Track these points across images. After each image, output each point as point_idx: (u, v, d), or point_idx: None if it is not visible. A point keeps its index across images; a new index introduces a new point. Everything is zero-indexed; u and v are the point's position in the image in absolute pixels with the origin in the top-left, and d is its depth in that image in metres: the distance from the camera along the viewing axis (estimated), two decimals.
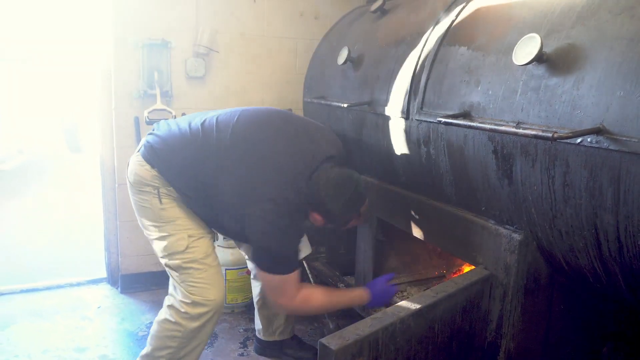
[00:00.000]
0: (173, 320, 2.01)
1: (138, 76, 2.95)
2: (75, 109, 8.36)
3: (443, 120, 1.63)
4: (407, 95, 1.97)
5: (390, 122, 2.10)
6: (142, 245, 2.98)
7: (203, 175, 1.95)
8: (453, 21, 1.89)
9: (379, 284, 2.09)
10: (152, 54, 2.95)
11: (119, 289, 3.21)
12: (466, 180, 1.76)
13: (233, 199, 1.92)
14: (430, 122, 1.84)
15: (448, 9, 1.97)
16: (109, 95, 3.00)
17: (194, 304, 1.99)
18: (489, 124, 1.50)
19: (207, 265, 2.03)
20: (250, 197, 1.88)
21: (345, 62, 2.38)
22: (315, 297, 2.02)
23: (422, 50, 1.97)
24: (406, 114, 1.98)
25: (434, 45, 1.91)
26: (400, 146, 2.07)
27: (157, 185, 1.99)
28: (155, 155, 2.00)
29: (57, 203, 5.36)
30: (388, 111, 2.09)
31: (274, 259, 1.90)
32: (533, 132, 1.31)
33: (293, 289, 1.95)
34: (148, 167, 1.99)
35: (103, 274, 3.36)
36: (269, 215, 1.85)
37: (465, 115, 1.65)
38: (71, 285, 3.27)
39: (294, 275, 1.93)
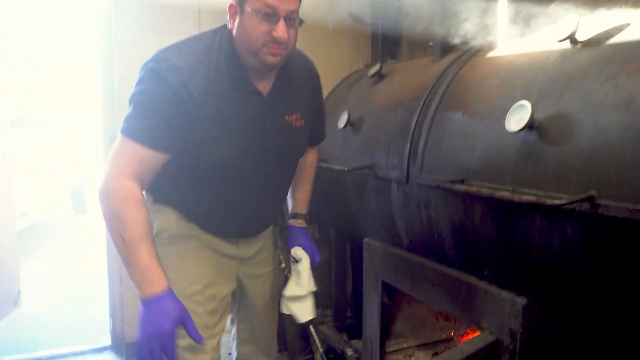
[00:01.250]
0: None
1: None
2: (80, 169, 8.51)
3: (442, 186, 1.65)
4: (407, 159, 2.01)
5: (391, 186, 2.12)
6: None
7: None
8: (447, 87, 1.95)
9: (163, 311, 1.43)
10: None
11: (124, 358, 3.16)
12: (467, 244, 1.75)
13: None
14: (430, 186, 1.86)
15: (442, 75, 2.03)
16: None
17: None
18: (486, 189, 1.52)
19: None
20: None
21: (345, 126, 2.44)
22: (134, 211, 1.44)
23: (419, 114, 2.02)
24: (406, 178, 2.00)
25: (431, 110, 1.96)
26: (401, 209, 2.09)
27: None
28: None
29: (63, 266, 5.36)
30: (388, 175, 2.12)
31: (132, 105, 1.50)
32: (527, 199, 1.32)
33: (125, 166, 1.44)
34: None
35: (108, 341, 3.32)
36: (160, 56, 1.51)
37: (463, 180, 1.67)
38: (75, 354, 3.24)
39: (138, 152, 1.45)
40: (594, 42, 1.45)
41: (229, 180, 1.66)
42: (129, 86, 2.83)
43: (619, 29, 1.43)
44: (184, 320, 1.46)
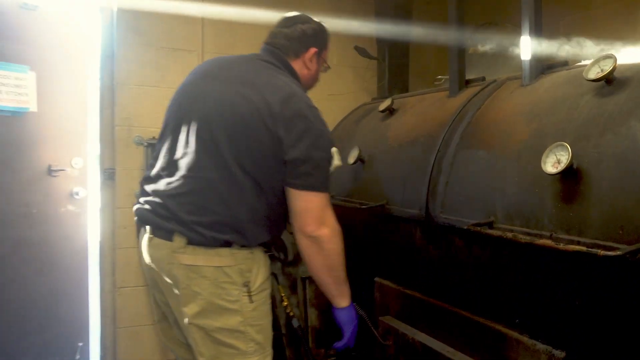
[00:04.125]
0: None
1: (141, 175, 2.91)
2: None
3: (472, 229, 1.56)
4: (425, 198, 1.92)
5: (408, 225, 2.02)
6: (145, 356, 2.80)
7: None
8: (469, 123, 1.88)
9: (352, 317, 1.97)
10: None
11: None
12: (496, 290, 1.66)
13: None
14: (453, 226, 1.77)
15: (462, 111, 1.97)
16: (112, 193, 2.96)
17: None
18: (524, 236, 1.43)
19: None
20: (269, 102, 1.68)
21: (355, 162, 2.36)
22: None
23: (437, 151, 1.94)
24: (425, 217, 1.91)
25: (451, 147, 1.88)
26: (420, 249, 1.99)
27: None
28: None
29: None
30: (405, 213, 2.03)
31: (327, 162, 1.75)
32: (575, 249, 1.23)
33: (333, 213, 1.82)
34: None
35: None
36: (301, 99, 1.75)
37: (492, 223, 1.58)
38: None
39: (329, 199, 1.83)
40: (635, 81, 1.39)
41: None
42: (129, 123, 2.72)
43: None
44: None
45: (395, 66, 2.99)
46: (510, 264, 1.56)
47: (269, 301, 1.85)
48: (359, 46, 3.06)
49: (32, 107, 2.86)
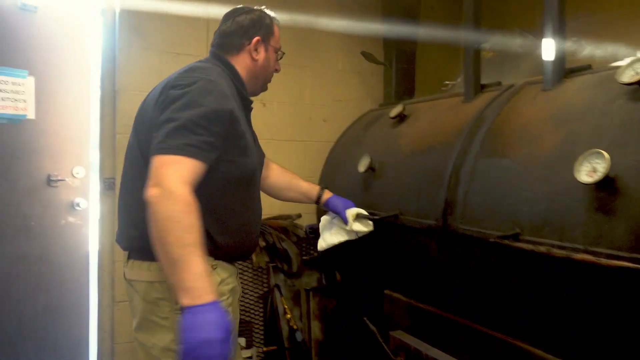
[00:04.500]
0: None
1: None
2: None
3: (501, 242, 1.47)
4: (443, 208, 1.83)
5: (423, 236, 1.93)
6: None
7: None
8: (488, 130, 1.79)
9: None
10: None
11: None
12: (518, 305, 1.56)
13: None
14: (473, 237, 1.68)
15: (480, 117, 1.88)
16: (112, 204, 2.85)
17: None
18: (558, 250, 1.33)
19: None
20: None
21: (366, 170, 2.27)
22: (195, 218, 1.36)
23: (455, 159, 1.85)
24: (442, 227, 1.82)
25: (470, 155, 1.80)
26: (435, 261, 1.90)
27: None
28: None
29: None
30: (420, 224, 1.94)
31: (177, 121, 1.43)
32: (621, 264, 1.14)
33: (186, 175, 1.40)
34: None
35: None
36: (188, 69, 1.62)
37: (518, 235, 1.49)
38: None
39: (196, 166, 1.43)
40: None
41: (253, 188, 1.77)
42: (130, 130, 2.61)
43: None
44: (230, 334, 1.35)
45: (402, 71, 2.92)
46: (536, 277, 1.47)
47: None
48: (366, 52, 2.99)
49: (31, 113, 2.73)
